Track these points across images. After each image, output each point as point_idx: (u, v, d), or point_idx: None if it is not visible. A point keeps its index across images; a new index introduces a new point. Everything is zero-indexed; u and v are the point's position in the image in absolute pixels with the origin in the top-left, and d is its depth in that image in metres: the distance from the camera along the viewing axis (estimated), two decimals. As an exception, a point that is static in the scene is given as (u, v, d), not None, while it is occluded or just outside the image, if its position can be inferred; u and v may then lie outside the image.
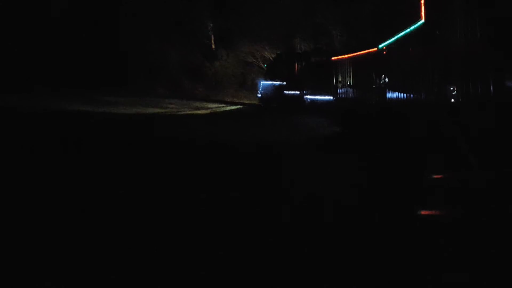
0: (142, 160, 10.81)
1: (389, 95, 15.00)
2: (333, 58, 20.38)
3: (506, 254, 4.83)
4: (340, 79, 19.55)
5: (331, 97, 20.47)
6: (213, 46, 41.01)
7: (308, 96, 24.19)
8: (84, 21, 40.00)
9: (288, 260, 4.88)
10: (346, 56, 18.75)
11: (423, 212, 6.29)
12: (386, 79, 15.62)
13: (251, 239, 5.53)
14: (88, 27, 40.13)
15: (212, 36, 40.88)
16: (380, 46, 15.39)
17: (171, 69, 40.70)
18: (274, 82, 31.37)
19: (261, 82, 34.95)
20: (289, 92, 27.58)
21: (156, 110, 26.02)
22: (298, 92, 25.82)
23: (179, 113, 25.37)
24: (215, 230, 5.83)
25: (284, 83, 29.03)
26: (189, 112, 26.20)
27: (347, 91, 18.77)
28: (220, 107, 32.73)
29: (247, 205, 6.97)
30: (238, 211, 6.70)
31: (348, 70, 18.51)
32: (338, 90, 19.77)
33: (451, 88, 12.09)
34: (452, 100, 12.00)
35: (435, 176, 7.67)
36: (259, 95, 35.06)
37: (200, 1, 39.28)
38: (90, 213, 6.51)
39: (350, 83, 18.41)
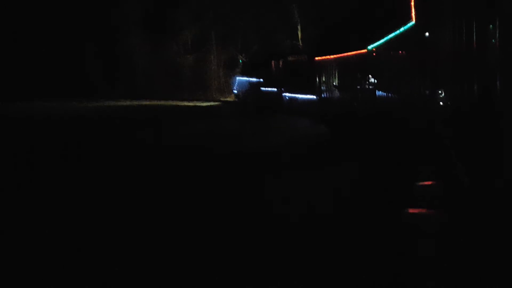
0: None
1: (379, 94, 14.88)
2: (317, 58, 20.13)
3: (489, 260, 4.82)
4: (324, 79, 19.34)
5: (314, 97, 20.26)
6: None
7: (287, 94, 23.94)
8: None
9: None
10: (332, 56, 18.53)
11: (410, 210, 6.24)
12: (375, 80, 15.50)
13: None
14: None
15: None
16: (370, 47, 15.22)
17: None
18: (250, 79, 30.96)
19: (237, 78, 34.53)
20: (267, 89, 27.25)
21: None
22: (276, 89, 25.53)
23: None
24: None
25: (261, 80, 28.64)
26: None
27: (332, 91, 18.58)
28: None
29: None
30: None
31: (334, 71, 18.31)
32: (322, 88, 19.58)
33: (439, 91, 12.01)
34: (441, 103, 11.91)
35: (421, 183, 7.65)
36: (235, 91, 34.66)
37: None
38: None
39: (336, 83, 18.22)
